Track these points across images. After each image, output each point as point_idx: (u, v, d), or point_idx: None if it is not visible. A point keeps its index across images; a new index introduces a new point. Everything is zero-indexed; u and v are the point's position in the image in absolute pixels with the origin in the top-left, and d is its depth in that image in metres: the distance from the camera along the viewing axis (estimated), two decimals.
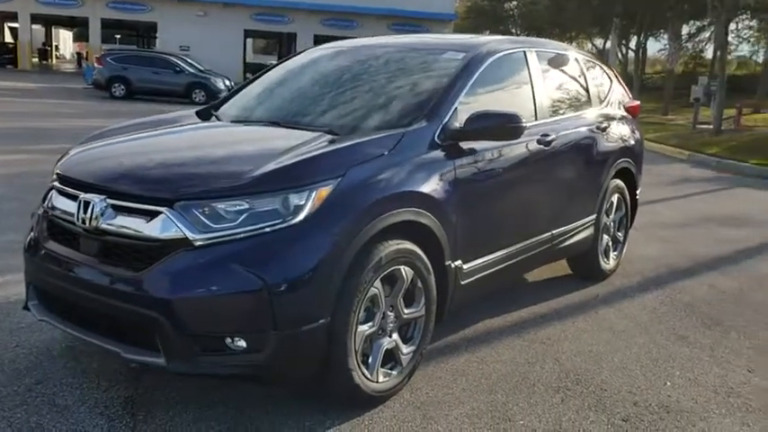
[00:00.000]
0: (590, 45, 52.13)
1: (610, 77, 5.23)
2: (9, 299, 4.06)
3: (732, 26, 32.39)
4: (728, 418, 3.07)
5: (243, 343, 2.57)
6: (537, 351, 3.70)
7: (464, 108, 3.42)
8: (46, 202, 3.16)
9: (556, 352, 3.70)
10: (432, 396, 3.15)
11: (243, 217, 2.60)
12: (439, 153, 3.22)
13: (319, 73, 4.14)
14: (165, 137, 3.58)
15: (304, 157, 2.82)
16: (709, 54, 37.66)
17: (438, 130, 3.26)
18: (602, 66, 5.31)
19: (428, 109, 3.35)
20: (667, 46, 32.94)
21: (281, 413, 2.93)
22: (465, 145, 3.35)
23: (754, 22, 33.34)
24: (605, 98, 5.01)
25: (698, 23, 33.81)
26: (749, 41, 39.46)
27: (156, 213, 2.66)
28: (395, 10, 37.23)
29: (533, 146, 3.88)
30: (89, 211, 2.77)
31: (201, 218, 2.61)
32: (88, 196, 2.80)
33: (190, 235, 2.58)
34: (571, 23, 45.83)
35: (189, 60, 24.75)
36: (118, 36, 55.85)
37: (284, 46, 45.07)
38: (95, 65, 23.72)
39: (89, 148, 3.35)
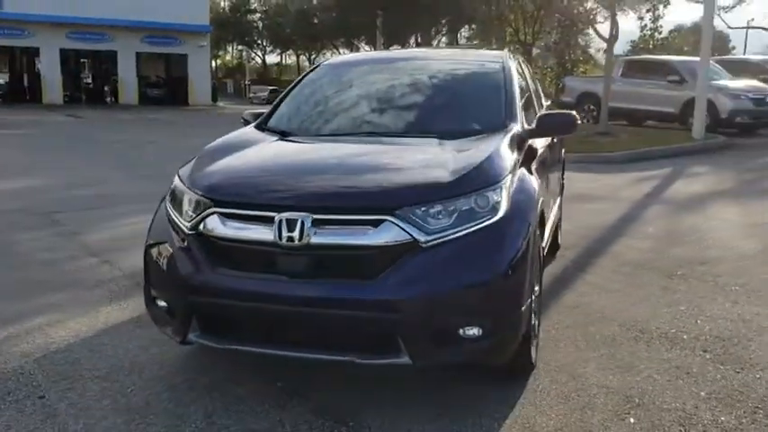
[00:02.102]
0: (338, 53, 54.50)
1: None
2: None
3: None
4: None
5: (475, 331, 2.83)
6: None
7: None
8: (191, 232, 3.06)
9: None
10: (560, 359, 3.65)
11: (455, 217, 2.86)
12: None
13: (376, 86, 4.36)
14: (306, 153, 3.63)
15: (485, 158, 3.15)
16: None
17: (522, 130, 3.76)
18: None
19: (506, 113, 3.83)
20: None
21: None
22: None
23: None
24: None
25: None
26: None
27: (378, 222, 2.81)
28: (148, 22, 35.70)
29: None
30: (296, 229, 2.81)
31: (423, 221, 2.82)
32: (290, 215, 2.83)
33: (420, 237, 2.79)
34: (322, 35, 47.72)
35: None
36: None
37: (19, 61, 40.75)
38: None
39: (237, 171, 3.28)
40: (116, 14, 34.28)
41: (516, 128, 3.72)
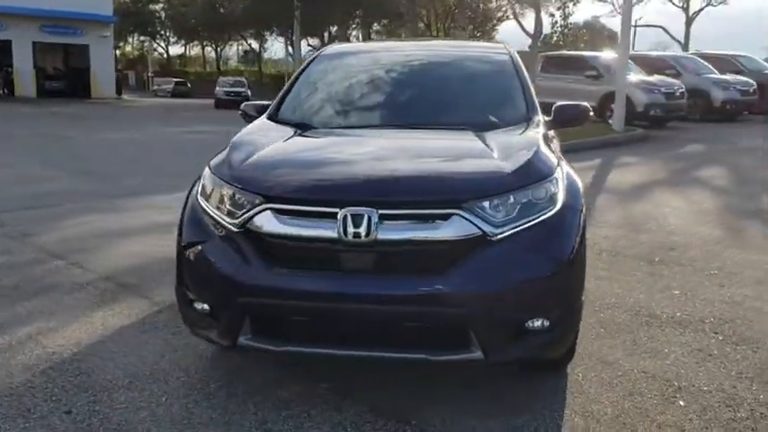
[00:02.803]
0: (246, 45, 53.38)
1: None
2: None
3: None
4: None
5: (540, 324, 2.81)
6: None
7: None
8: (239, 229, 2.89)
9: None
10: (586, 347, 3.71)
11: (517, 210, 2.83)
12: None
13: (390, 76, 4.25)
14: (351, 146, 3.44)
15: (536, 151, 3.14)
16: None
17: (545, 122, 3.80)
18: None
19: (528, 105, 3.85)
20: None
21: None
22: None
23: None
24: None
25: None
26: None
27: (447, 216, 2.75)
28: (46, 11, 33.76)
29: None
30: (363, 225, 2.71)
31: (490, 215, 2.78)
32: (355, 210, 2.72)
33: (488, 231, 2.75)
34: (229, 25, 46.63)
35: None
36: None
37: None
38: None
39: (288, 165, 3.12)
40: (11, 1, 32.19)
41: (540, 119, 3.74)
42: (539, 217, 2.84)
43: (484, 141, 3.26)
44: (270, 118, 4.01)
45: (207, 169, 3.24)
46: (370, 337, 2.81)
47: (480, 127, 3.58)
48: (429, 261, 2.74)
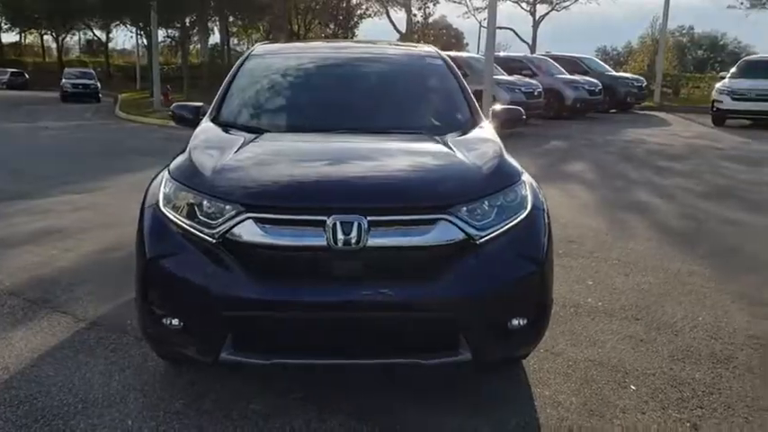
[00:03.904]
0: (90, 34, 50.26)
1: None
2: None
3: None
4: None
5: (520, 322, 2.94)
6: None
7: None
8: (216, 240, 2.78)
9: None
10: None
11: (495, 213, 2.94)
12: None
13: (333, 79, 4.19)
14: (322, 152, 3.36)
15: (500, 156, 3.26)
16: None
17: (488, 125, 3.95)
18: None
19: (471, 110, 3.99)
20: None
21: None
22: None
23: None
24: None
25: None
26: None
27: (433, 221, 2.80)
28: None
29: None
30: (353, 232, 2.70)
31: (473, 219, 2.87)
32: (344, 218, 2.70)
33: (474, 234, 2.83)
34: (75, 14, 43.59)
35: None
36: None
37: None
38: None
39: (265, 172, 3.01)
40: None
41: (486, 123, 3.88)
42: (514, 219, 2.96)
43: (450, 147, 3.33)
44: (213, 121, 3.84)
45: (167, 176, 3.07)
46: (362, 345, 2.81)
47: (435, 131, 3.65)
48: (418, 266, 2.77)
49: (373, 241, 2.71)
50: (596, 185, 9.66)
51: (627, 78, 24.22)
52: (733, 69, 19.83)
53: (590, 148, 13.68)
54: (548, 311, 3.09)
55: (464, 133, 3.66)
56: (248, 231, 2.74)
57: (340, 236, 2.68)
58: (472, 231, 2.82)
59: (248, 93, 4.12)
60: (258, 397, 3.14)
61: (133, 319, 3.63)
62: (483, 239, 2.84)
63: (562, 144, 14.80)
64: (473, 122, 3.85)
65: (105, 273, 4.99)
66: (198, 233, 2.80)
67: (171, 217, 2.90)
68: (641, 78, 24.88)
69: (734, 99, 18.18)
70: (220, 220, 2.78)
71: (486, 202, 2.92)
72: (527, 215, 3.02)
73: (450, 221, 2.80)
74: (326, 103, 4.04)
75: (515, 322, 2.91)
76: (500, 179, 3.06)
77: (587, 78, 21.18)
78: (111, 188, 8.70)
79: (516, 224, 2.96)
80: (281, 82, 4.26)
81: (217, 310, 2.72)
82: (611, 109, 22.59)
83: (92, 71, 37.93)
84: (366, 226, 2.70)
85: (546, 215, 3.16)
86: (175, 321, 2.83)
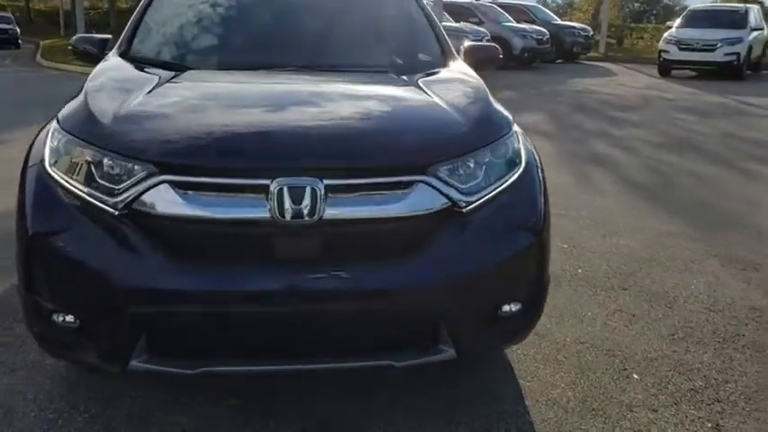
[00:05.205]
0: None
1: None
2: None
3: None
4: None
5: (512, 307, 2.34)
6: None
7: None
8: (122, 211, 2.08)
9: None
10: None
11: (483, 172, 2.32)
12: None
13: (269, 3, 3.42)
14: (265, 96, 2.65)
15: (485, 100, 2.64)
16: None
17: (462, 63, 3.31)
18: None
19: (442, 45, 3.32)
20: None
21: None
22: None
23: None
24: None
25: None
26: None
27: (408, 184, 2.16)
28: None
29: None
30: (306, 200, 2.04)
31: (457, 180, 2.24)
32: (293, 181, 2.04)
33: (460, 200, 2.21)
34: None
35: None
36: None
37: None
38: None
39: (186, 122, 2.28)
40: None
41: (461, 62, 3.23)
42: (507, 180, 2.35)
43: (422, 89, 2.68)
44: (122, 56, 3.06)
45: (54, 126, 2.33)
46: (318, 345, 2.18)
47: (400, 70, 2.98)
48: (389, 243, 2.15)
49: (331, 212, 2.06)
50: (554, 137, 9.18)
51: (574, 28, 23.76)
52: (679, 19, 19.60)
53: (542, 99, 13.21)
54: (545, 293, 2.51)
55: (435, 73, 3.00)
56: (163, 199, 2.05)
57: (288, 205, 2.02)
58: (457, 197, 2.20)
59: (167, 20, 3.34)
60: (183, 408, 2.50)
61: None
62: (470, 207, 2.22)
63: (514, 95, 14.26)
64: (444, 62, 3.19)
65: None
66: (96, 202, 2.10)
67: (60, 180, 2.18)
68: (588, 28, 24.50)
69: (680, 49, 17.95)
70: (125, 184, 2.08)
71: (473, 160, 2.29)
72: (521, 173, 2.41)
73: (430, 185, 2.17)
74: (267, 32, 3.30)
75: (506, 308, 2.32)
76: (489, 130, 2.44)
77: (535, 27, 20.66)
78: (21, 141, 7.71)
79: (510, 186, 2.35)
80: (209, 7, 3.49)
81: (123, 303, 2.05)
82: (558, 59, 22.15)
83: (10, 15, 35.26)
84: (322, 192, 2.04)
85: (541, 171, 2.56)
86: (69, 318, 2.14)
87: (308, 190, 2.02)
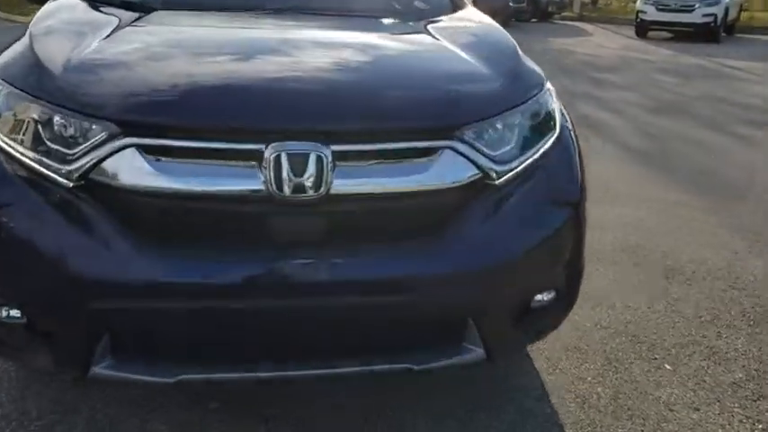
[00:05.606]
0: None
1: None
2: None
3: None
4: None
5: (545, 296, 1.99)
6: None
7: None
8: (78, 182, 1.67)
9: None
10: None
11: (516, 137, 1.94)
12: None
13: None
14: (235, 39, 2.21)
15: (513, 50, 2.28)
16: None
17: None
18: None
19: None
20: None
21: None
22: None
23: None
24: None
25: None
26: None
27: (433, 151, 1.78)
28: None
29: None
30: (309, 171, 1.64)
31: (488, 147, 1.86)
32: (293, 147, 1.64)
33: (493, 169, 1.84)
34: None
35: None
36: None
37: None
38: None
39: (159, 72, 1.82)
40: None
41: (472, 8, 2.82)
42: (543, 145, 1.98)
43: (436, 37, 2.27)
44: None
45: None
46: (322, 348, 1.79)
47: (407, 16, 2.57)
48: (410, 223, 1.77)
49: (340, 185, 1.66)
50: None
51: None
52: None
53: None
54: (580, 278, 2.15)
55: (450, 20, 2.59)
56: (128, 168, 1.63)
57: (286, 176, 1.62)
58: (489, 166, 1.82)
59: None
60: (159, 413, 2.12)
61: None
62: (504, 178, 1.85)
63: None
64: (453, 7, 2.78)
65: None
66: (45, 170, 1.67)
67: (2, 144, 1.74)
68: None
69: (658, 9, 17.61)
70: (81, 148, 1.66)
71: (501, 122, 1.91)
72: (557, 138, 2.04)
73: (459, 151, 1.78)
74: None
75: (540, 297, 1.96)
76: (520, 87, 2.06)
77: None
78: None
79: (546, 152, 1.98)
80: None
81: (78, 297, 1.64)
82: (532, 18, 21.69)
83: None
84: (330, 160, 1.64)
85: (574, 135, 2.19)
86: (15, 313, 1.73)
87: (311, 157, 1.63)
